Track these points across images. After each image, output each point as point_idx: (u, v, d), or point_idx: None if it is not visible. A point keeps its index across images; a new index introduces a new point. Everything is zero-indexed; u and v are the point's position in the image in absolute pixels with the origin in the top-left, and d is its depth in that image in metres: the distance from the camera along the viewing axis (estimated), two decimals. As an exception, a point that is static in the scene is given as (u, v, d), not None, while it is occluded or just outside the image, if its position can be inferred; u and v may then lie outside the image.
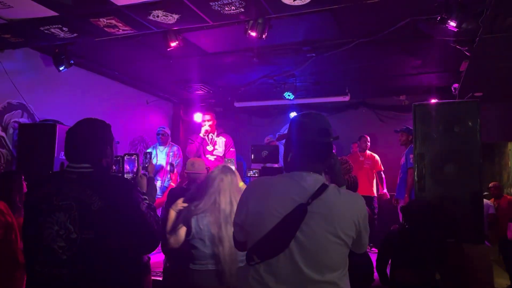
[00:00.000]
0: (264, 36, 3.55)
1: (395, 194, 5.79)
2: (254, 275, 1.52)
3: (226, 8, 3.31)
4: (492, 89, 5.22)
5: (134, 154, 2.16)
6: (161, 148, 5.95)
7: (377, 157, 6.33)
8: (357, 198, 1.58)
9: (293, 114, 6.88)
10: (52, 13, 3.52)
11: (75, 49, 4.65)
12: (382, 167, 6.30)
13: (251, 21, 3.53)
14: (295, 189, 1.52)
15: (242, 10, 3.33)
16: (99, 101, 5.77)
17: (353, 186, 3.27)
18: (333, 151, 1.70)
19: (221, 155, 5.32)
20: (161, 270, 3.52)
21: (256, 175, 3.53)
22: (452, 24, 3.34)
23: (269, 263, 1.48)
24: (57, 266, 1.59)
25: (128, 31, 3.87)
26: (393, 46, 4.56)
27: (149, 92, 7.05)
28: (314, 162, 1.59)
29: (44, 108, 5.03)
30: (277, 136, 6.61)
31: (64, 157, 1.88)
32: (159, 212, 2.86)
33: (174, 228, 2.55)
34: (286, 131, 1.70)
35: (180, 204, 2.68)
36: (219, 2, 3.20)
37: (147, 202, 1.82)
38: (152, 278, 3.63)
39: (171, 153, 5.95)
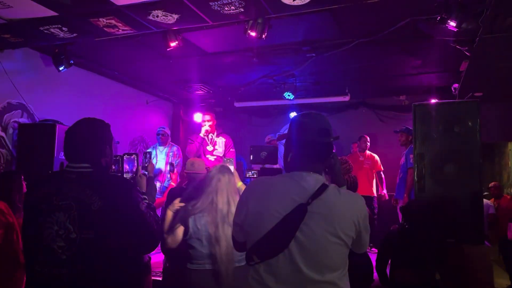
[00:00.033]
0: (263, 36, 3.55)
1: (394, 194, 5.80)
2: (254, 275, 1.52)
3: (226, 8, 3.31)
4: (492, 89, 5.22)
5: (133, 153, 2.16)
6: (160, 148, 5.95)
7: (376, 157, 6.33)
8: (357, 198, 1.58)
9: (293, 114, 6.89)
10: (51, 13, 3.52)
11: (74, 49, 4.65)
12: (382, 167, 6.30)
13: (251, 21, 3.53)
14: (295, 189, 1.52)
15: (242, 10, 3.33)
16: (99, 101, 5.77)
17: (352, 186, 3.27)
18: (333, 151, 1.70)
19: (221, 155, 5.32)
20: (161, 270, 3.52)
21: (255, 176, 3.53)
22: (452, 24, 3.34)
23: (269, 263, 1.48)
24: (56, 266, 1.59)
25: (128, 31, 3.87)
26: (393, 46, 4.56)
27: (149, 92, 7.05)
28: (314, 162, 1.58)
29: (43, 108, 5.03)
30: (277, 136, 6.61)
31: (64, 157, 1.88)
32: (158, 212, 2.86)
33: (172, 228, 2.55)
34: (286, 131, 1.70)
35: (177, 204, 2.69)
36: (218, 2, 3.20)
37: (147, 201, 1.82)
38: (152, 278, 3.62)
39: (170, 153, 5.95)
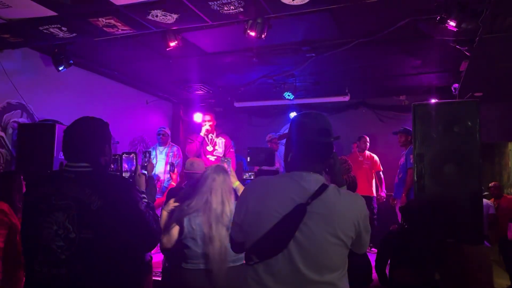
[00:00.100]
0: (263, 36, 3.54)
1: (392, 194, 5.80)
2: (253, 275, 1.51)
3: (225, 8, 3.30)
4: (492, 89, 5.21)
5: (132, 152, 2.17)
6: (160, 148, 5.95)
7: (376, 157, 6.34)
8: (357, 199, 1.58)
9: (293, 114, 6.89)
10: (51, 12, 3.52)
11: (74, 49, 4.64)
12: (381, 168, 6.30)
13: (250, 21, 3.53)
14: (295, 189, 1.51)
15: (241, 9, 3.33)
16: (98, 101, 5.76)
17: (352, 186, 3.26)
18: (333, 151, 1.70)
19: (221, 155, 5.33)
20: (160, 270, 3.51)
21: (252, 177, 3.53)
22: (452, 24, 3.33)
23: (268, 263, 1.48)
24: (56, 265, 1.59)
25: (127, 31, 3.86)
26: (393, 46, 4.56)
27: (149, 92, 7.05)
28: (314, 162, 1.58)
29: (43, 108, 5.03)
30: (277, 135, 6.62)
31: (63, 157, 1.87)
32: (158, 212, 2.86)
33: (167, 228, 2.55)
34: (287, 131, 1.70)
35: (172, 204, 2.69)
36: (218, 2, 3.20)
37: (146, 201, 1.82)
38: (153, 278, 3.62)
39: (171, 153, 5.96)
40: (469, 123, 3.59)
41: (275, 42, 4.47)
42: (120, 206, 1.64)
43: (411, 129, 3.96)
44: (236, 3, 3.22)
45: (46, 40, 4.19)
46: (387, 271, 3.28)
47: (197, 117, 6.23)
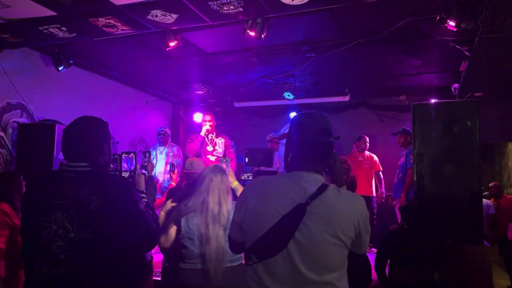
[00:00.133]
0: (263, 36, 3.54)
1: (391, 194, 5.81)
2: (252, 275, 1.51)
3: (225, 8, 3.30)
4: (492, 89, 5.22)
5: (132, 152, 2.17)
6: (161, 148, 5.96)
7: (375, 157, 6.34)
8: (357, 199, 1.57)
9: (293, 114, 6.89)
10: (50, 12, 3.52)
11: (74, 49, 4.64)
12: (381, 168, 6.31)
13: (250, 21, 3.52)
14: (295, 189, 1.51)
15: (241, 9, 3.33)
16: (98, 101, 5.76)
17: (351, 186, 3.26)
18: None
19: (221, 155, 5.34)
20: (160, 270, 3.51)
21: (250, 178, 3.52)
22: (452, 24, 3.33)
23: (267, 263, 1.47)
24: (55, 265, 1.59)
25: (127, 31, 3.86)
26: (393, 46, 4.55)
27: (149, 92, 7.05)
28: (314, 162, 1.58)
29: (43, 108, 5.02)
30: (278, 135, 6.62)
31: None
32: (158, 212, 2.86)
33: (165, 228, 2.55)
34: (287, 131, 1.70)
35: (169, 204, 2.69)
36: (217, 2, 3.20)
37: (145, 200, 1.82)
38: (153, 278, 3.62)
39: (171, 153, 5.97)
40: (469, 123, 3.59)
41: (275, 42, 4.47)
42: (119, 206, 1.64)
43: (410, 130, 3.96)
44: (235, 3, 3.22)
45: (46, 40, 4.19)
46: (386, 271, 3.28)
47: (197, 117, 6.23)
